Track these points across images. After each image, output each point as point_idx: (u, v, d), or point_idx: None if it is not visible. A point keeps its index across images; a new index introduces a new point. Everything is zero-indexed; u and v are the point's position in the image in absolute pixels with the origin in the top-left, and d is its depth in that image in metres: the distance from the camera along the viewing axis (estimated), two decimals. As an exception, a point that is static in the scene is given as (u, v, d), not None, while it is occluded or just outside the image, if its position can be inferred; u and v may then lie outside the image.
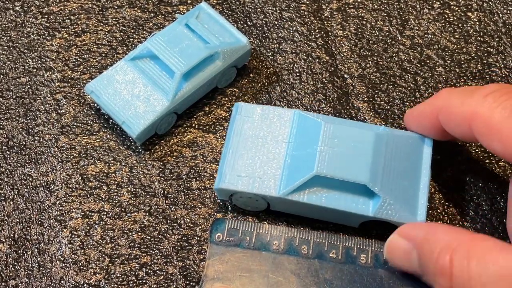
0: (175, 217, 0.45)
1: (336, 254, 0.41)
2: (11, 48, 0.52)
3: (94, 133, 0.48)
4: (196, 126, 0.48)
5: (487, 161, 0.46)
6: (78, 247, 0.44)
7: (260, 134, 0.44)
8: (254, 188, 0.42)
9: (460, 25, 0.52)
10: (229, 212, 0.44)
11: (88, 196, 0.45)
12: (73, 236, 0.44)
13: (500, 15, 0.52)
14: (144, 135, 0.46)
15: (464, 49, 0.51)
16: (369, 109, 0.48)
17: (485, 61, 0.50)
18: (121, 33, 0.52)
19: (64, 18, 0.53)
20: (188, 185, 0.46)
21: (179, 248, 0.43)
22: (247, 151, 0.43)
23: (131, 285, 0.42)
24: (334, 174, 0.40)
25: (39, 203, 0.45)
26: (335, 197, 0.41)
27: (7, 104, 0.49)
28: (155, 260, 0.43)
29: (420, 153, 0.43)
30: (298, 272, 0.40)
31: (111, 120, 0.48)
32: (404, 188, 0.41)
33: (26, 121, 0.48)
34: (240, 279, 0.40)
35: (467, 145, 0.47)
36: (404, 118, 0.44)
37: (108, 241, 0.44)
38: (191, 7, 0.53)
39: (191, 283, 0.42)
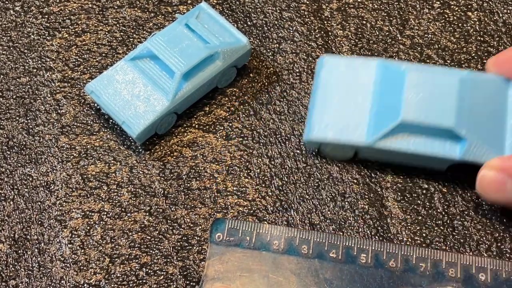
0: (175, 217, 0.45)
1: (336, 254, 0.41)
2: (11, 48, 0.52)
3: (94, 133, 0.48)
4: (196, 126, 0.48)
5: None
6: (78, 247, 0.44)
7: (345, 85, 0.44)
8: (343, 137, 0.43)
9: (460, 24, 0.52)
10: (229, 212, 0.44)
11: (88, 196, 0.45)
12: (73, 236, 0.44)
13: (500, 15, 0.52)
14: (144, 135, 0.46)
15: (464, 48, 0.51)
16: (369, 109, 0.48)
17: (485, 61, 0.50)
18: (121, 33, 0.52)
19: (64, 18, 0.53)
20: (188, 185, 0.46)
21: (179, 248, 0.43)
22: (334, 103, 0.44)
23: (131, 285, 0.42)
24: (420, 120, 0.41)
25: (39, 203, 0.45)
26: (422, 142, 0.42)
27: (7, 104, 0.49)
28: (155, 260, 0.43)
29: (505, 95, 0.43)
30: (298, 272, 0.40)
31: (111, 120, 0.48)
32: (490, 130, 0.42)
33: (26, 121, 0.48)
34: (240, 279, 0.40)
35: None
36: (487, 65, 0.44)
37: (108, 241, 0.44)
38: (191, 7, 0.53)
39: (191, 283, 0.42)
